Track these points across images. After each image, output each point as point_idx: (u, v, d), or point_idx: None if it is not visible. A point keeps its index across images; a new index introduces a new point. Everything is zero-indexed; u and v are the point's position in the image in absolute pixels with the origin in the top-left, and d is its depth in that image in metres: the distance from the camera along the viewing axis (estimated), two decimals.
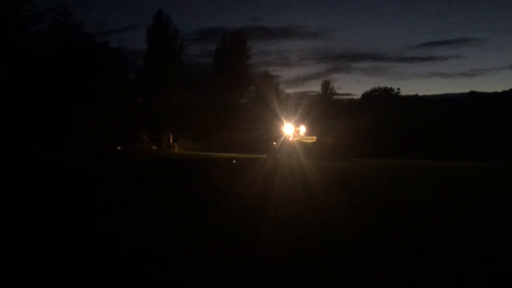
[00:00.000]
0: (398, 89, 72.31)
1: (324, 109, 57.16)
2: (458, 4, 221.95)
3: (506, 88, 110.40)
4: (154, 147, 51.92)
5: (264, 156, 35.64)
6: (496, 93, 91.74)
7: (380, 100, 69.03)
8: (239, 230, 7.03)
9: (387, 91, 71.61)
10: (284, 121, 45.08)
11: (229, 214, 8.61)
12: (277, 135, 45.37)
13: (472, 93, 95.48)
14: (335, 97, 73.86)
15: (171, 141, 54.33)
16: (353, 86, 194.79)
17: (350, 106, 67.51)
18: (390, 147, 45.57)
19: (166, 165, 26.29)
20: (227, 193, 11.64)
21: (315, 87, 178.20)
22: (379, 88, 72.49)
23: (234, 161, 20.77)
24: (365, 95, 73.90)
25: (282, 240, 6.38)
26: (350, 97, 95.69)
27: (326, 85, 71.76)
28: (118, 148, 47.71)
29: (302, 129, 50.99)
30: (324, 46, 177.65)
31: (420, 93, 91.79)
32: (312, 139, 51.40)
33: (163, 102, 48.76)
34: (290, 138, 45.29)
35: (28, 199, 10.23)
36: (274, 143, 45.49)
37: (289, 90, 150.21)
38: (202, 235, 6.74)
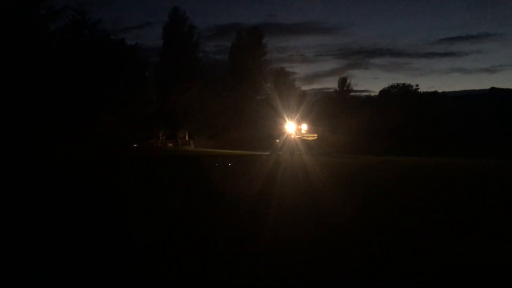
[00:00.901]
0: (417, 85, 70.94)
1: (330, 107, 56.98)
2: None
3: None
4: (170, 144, 51.95)
5: (268, 153, 36.84)
6: None
7: (398, 96, 67.92)
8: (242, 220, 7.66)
9: (405, 88, 70.30)
10: (286, 119, 46.18)
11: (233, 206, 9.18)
12: (280, 132, 46.82)
13: (492, 89, 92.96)
14: (352, 93, 72.98)
15: (187, 138, 54.30)
16: (371, 82, 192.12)
17: (356, 103, 66.67)
18: (391, 145, 45.71)
19: (176, 161, 27.66)
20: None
21: (332, 83, 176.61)
22: (397, 85, 71.22)
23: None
24: (383, 92, 72.74)
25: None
26: (367, 93, 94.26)
27: (343, 82, 70.83)
28: (135, 145, 47.81)
29: (304, 127, 52.10)
30: (341, 42, 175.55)
31: (440, 90, 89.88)
32: (314, 136, 52.15)
33: (178, 99, 48.71)
34: (292, 136, 46.49)
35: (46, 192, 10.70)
36: (277, 140, 46.77)
37: (306, 87, 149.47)
38: (206, 228, 7.05)
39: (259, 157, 29.33)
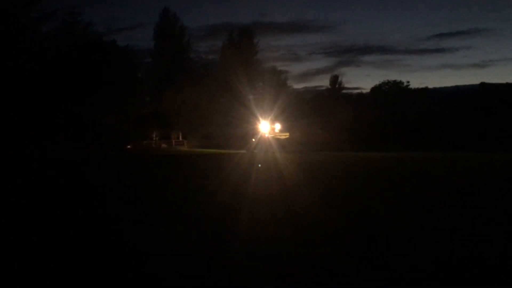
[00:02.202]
0: (408, 82, 71.79)
1: (306, 105, 58.50)
2: None
3: None
4: (164, 145, 52.09)
5: (243, 151, 39.33)
6: (508, 84, 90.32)
7: (390, 93, 68.65)
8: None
9: (396, 84, 71.06)
10: (260, 119, 48.52)
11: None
12: (255, 132, 49.27)
13: (482, 84, 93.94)
14: (344, 91, 73.65)
15: (181, 138, 54.47)
16: (363, 80, 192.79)
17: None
18: (371, 141, 47.53)
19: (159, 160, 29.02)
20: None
21: (324, 81, 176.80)
22: (388, 82, 71.97)
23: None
24: (374, 89, 73.43)
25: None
26: (359, 91, 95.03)
27: (334, 80, 71.43)
28: (128, 146, 47.88)
29: (277, 126, 54.11)
30: (332, 39, 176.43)
31: (431, 86, 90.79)
32: (286, 135, 54.20)
33: (171, 99, 48.89)
34: (266, 135, 48.98)
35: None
36: (253, 139, 48.87)
37: (298, 85, 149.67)
38: (179, 223, 7.20)
39: (235, 156, 31.73)
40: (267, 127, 50.18)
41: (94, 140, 43.35)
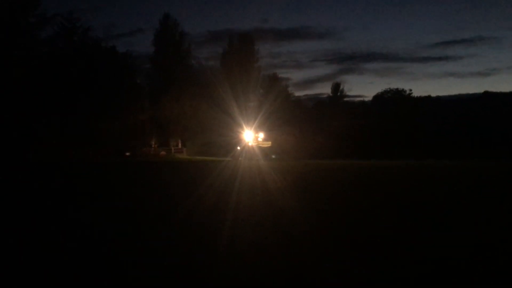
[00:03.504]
0: (410, 90, 71.13)
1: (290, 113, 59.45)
2: (472, 2, 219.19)
3: None
4: (163, 152, 51.36)
5: (229, 158, 41.77)
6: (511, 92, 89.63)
7: (391, 101, 68.10)
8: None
9: (398, 93, 70.45)
10: (245, 128, 50.19)
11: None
12: (239, 141, 51.22)
13: (486, 93, 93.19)
14: (346, 99, 72.94)
15: (180, 146, 53.79)
16: (365, 87, 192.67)
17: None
18: (357, 149, 50.20)
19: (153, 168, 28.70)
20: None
21: (326, 89, 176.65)
22: (391, 90, 71.38)
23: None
24: (376, 97, 72.86)
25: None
26: (361, 99, 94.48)
27: (336, 87, 70.73)
28: (127, 154, 47.19)
29: (261, 135, 55.21)
30: (334, 47, 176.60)
31: (434, 94, 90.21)
32: (268, 144, 55.85)
33: (171, 106, 48.28)
34: (250, 144, 51.10)
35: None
36: (238, 148, 50.89)
37: (299, 93, 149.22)
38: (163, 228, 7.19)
39: (220, 163, 33.65)
40: (251, 136, 51.59)
41: (91, 146, 42.83)
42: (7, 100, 38.27)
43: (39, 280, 4.57)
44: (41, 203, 10.25)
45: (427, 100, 74.82)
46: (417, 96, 71.81)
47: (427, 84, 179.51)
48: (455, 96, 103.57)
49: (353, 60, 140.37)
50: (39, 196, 11.67)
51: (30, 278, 4.62)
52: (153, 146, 52.69)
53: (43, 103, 40.44)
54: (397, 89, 71.03)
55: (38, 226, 7.35)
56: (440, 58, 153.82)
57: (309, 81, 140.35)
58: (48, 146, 40.26)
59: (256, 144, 52.65)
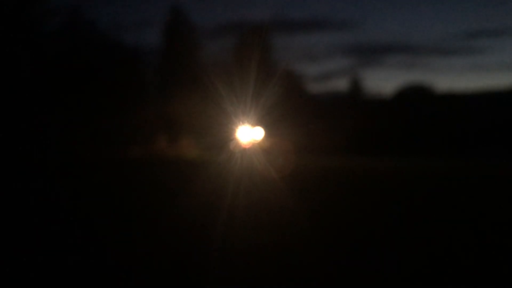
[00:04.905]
0: (433, 84, 68.20)
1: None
2: None
3: None
4: (171, 149, 50.56)
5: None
6: None
7: (412, 97, 65.76)
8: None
9: (420, 87, 67.76)
10: (241, 123, 46.15)
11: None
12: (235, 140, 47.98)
13: None
14: (364, 94, 70.51)
15: (189, 142, 52.73)
16: (384, 82, 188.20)
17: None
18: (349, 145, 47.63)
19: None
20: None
21: (342, 83, 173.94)
22: (413, 84, 68.76)
23: None
24: (398, 93, 70.24)
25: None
26: (380, 94, 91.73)
27: (353, 82, 68.19)
28: (133, 150, 46.61)
29: (258, 130, 52.22)
30: (353, 39, 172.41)
31: (458, 89, 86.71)
32: (264, 140, 53.69)
33: (179, 101, 47.14)
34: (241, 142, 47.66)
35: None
36: (232, 147, 47.41)
37: (314, 87, 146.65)
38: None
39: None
40: (245, 132, 50.25)
41: (96, 143, 42.31)
42: (11, 96, 37.87)
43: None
44: (41, 203, 10.32)
45: (452, 96, 71.87)
46: (440, 91, 68.95)
47: (451, 78, 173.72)
48: (481, 90, 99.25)
49: (372, 53, 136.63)
50: (40, 196, 11.59)
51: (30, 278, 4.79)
52: (160, 142, 51.97)
53: (49, 99, 40.09)
54: (419, 83, 68.33)
55: (38, 226, 7.60)
56: (465, 51, 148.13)
57: (325, 74, 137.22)
58: (54, 143, 39.95)
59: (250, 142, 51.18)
